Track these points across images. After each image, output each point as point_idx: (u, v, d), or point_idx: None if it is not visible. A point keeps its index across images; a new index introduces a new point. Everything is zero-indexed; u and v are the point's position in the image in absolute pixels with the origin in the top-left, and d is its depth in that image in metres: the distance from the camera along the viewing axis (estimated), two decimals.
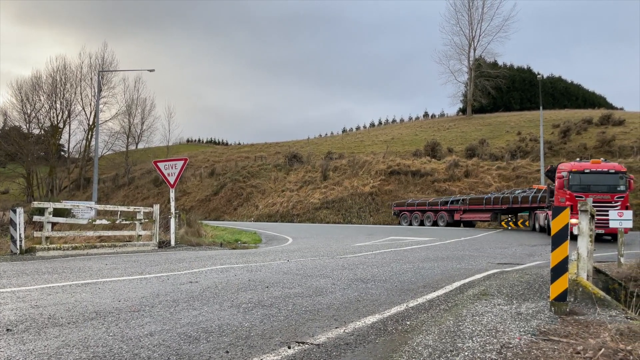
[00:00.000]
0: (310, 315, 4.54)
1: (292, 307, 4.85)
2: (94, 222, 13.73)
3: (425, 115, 76.59)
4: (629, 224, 9.64)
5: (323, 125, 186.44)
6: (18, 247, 10.70)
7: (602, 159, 19.09)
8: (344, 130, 79.97)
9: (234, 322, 4.21)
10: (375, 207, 36.60)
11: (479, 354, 3.35)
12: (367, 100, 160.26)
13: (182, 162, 14.59)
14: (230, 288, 5.96)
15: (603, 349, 3.36)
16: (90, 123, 55.52)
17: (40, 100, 56.27)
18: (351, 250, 12.24)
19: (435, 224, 28.68)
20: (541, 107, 34.57)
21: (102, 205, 16.84)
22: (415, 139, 54.01)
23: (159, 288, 5.95)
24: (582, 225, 5.02)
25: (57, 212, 13.34)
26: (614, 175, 16.82)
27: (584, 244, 5.14)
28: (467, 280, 6.89)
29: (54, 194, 51.15)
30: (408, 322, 4.31)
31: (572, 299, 5.00)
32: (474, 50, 62.87)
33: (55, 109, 56.61)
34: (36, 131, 58.20)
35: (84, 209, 18.93)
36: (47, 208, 12.17)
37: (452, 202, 28.37)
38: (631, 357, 3.25)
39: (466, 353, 3.38)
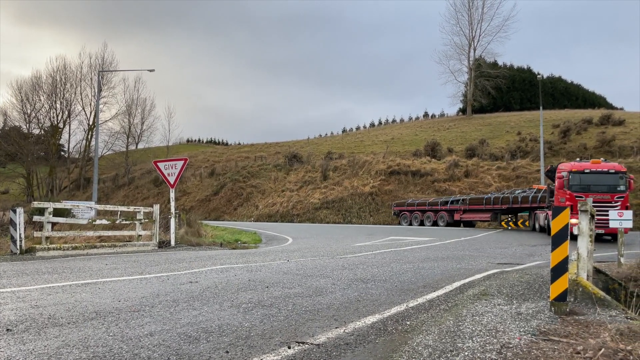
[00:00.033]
0: (310, 315, 4.54)
1: (292, 307, 4.85)
2: (94, 222, 13.73)
3: (425, 115, 76.65)
4: (629, 224, 9.64)
5: (323, 125, 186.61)
6: (18, 247, 10.70)
7: (602, 159, 19.08)
8: (344, 130, 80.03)
9: (234, 322, 4.21)
10: (375, 207, 36.60)
11: (479, 354, 3.35)
12: (367, 100, 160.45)
13: (182, 162, 14.59)
14: (230, 288, 5.96)
15: (603, 349, 3.36)
16: (90, 123, 55.61)
17: (40, 100, 56.41)
18: (351, 250, 12.24)
19: (435, 224, 28.69)
20: (541, 107, 34.59)
21: (102, 205, 16.84)
22: (415, 139, 54.01)
23: (159, 288, 5.95)
24: (582, 225, 5.02)
25: (57, 212, 13.34)
26: (613, 175, 16.82)
27: (584, 244, 5.14)
28: (467, 280, 6.89)
29: (54, 194, 51.17)
30: (408, 322, 4.31)
31: (572, 299, 5.00)
32: (474, 50, 62.98)
33: (55, 109, 56.74)
34: (36, 131, 58.34)
35: (84, 209, 18.94)
36: (47, 208, 12.17)
37: (452, 202, 28.38)
38: (631, 357, 3.25)
39: (466, 353, 3.38)
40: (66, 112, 57.05)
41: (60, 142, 61.36)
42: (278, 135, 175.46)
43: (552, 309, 4.63)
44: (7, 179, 59.96)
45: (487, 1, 61.84)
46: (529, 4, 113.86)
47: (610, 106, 69.91)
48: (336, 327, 4.07)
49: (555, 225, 4.66)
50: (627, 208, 15.60)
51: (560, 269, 4.58)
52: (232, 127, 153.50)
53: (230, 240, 16.73)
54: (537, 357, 3.29)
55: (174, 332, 3.83)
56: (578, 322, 4.27)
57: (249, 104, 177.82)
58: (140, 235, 13.70)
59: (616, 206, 15.86)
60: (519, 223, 26.31)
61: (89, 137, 56.04)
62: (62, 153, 63.55)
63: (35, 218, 12.55)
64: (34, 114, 56.33)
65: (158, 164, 14.89)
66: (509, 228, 26.38)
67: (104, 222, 14.19)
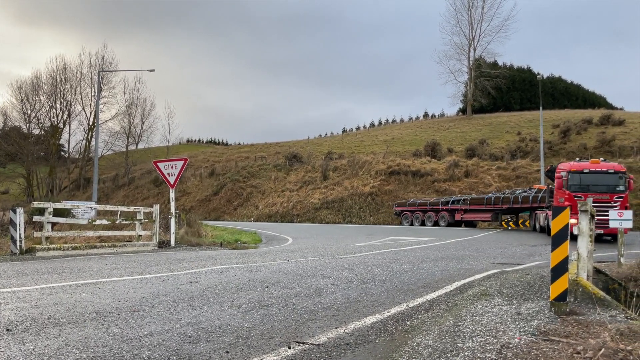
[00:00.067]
0: (310, 315, 4.54)
1: (292, 307, 4.85)
2: (94, 222, 13.73)
3: (425, 115, 76.65)
4: (629, 224, 9.64)
5: (323, 125, 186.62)
6: (18, 247, 10.70)
7: (601, 158, 19.05)
8: (344, 131, 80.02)
9: (234, 322, 4.21)
10: (375, 207, 36.61)
11: (479, 354, 3.35)
12: (367, 100, 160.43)
13: (182, 162, 14.59)
14: (230, 288, 5.96)
15: (603, 349, 3.36)
16: (90, 123, 55.59)
17: (40, 100, 56.38)
18: (351, 250, 12.24)
19: (436, 224, 28.71)
20: (541, 107, 34.59)
21: (102, 206, 16.84)
22: (415, 139, 54.02)
23: (159, 288, 5.95)
24: (582, 225, 5.02)
25: (57, 212, 13.34)
26: (613, 175, 16.80)
27: (584, 244, 5.14)
28: (467, 280, 6.89)
29: (54, 194, 51.16)
30: (408, 322, 4.31)
31: (572, 299, 5.00)
32: (474, 50, 62.99)
33: (55, 109, 56.71)
34: (36, 131, 58.31)
35: (84, 209, 18.94)
36: (47, 208, 12.17)
37: (453, 202, 28.39)
38: (631, 357, 3.25)
39: (466, 353, 3.38)
40: (66, 112, 57.10)
41: (60, 142, 61.44)
42: (278, 135, 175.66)
43: (552, 309, 4.63)
44: (7, 179, 59.95)
45: (487, 1, 61.91)
46: (529, 4, 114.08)
47: (610, 106, 69.93)
48: (336, 327, 4.07)
49: (555, 226, 4.66)
50: (626, 208, 15.57)
51: (560, 269, 4.58)
52: (232, 127, 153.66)
53: (230, 241, 16.73)
54: (537, 357, 3.29)
55: (174, 332, 3.83)
56: (578, 322, 4.27)
57: (249, 104, 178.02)
58: (140, 236, 13.70)
59: (615, 206, 15.83)
60: (519, 223, 26.31)
61: (89, 137, 56.04)
62: (62, 153, 63.55)
63: (35, 218, 12.55)
64: (34, 114, 56.39)
65: (158, 164, 14.90)
66: (509, 228, 26.39)
67: (104, 222, 14.20)
